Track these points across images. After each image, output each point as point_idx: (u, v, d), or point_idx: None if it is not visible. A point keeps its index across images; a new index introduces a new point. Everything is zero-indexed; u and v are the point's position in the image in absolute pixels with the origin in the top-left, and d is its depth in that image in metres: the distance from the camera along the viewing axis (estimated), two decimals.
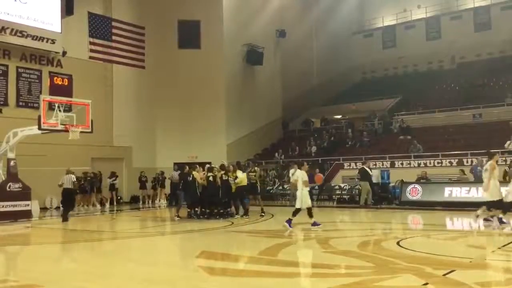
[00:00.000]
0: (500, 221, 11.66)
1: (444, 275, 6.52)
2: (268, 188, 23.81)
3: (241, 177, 15.31)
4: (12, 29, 20.88)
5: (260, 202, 16.28)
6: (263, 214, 15.64)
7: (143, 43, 26.60)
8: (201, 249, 9.49)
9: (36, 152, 19.56)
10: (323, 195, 21.72)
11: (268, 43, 30.59)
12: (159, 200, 23.71)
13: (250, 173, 16.23)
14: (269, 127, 31.27)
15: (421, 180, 18.84)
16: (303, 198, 11.98)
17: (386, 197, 19.41)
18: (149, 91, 26.30)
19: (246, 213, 15.28)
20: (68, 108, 17.82)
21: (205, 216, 15.21)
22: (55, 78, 22.51)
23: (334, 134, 29.33)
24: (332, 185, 22.51)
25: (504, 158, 18.77)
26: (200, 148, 25.59)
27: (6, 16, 20.77)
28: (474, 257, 7.98)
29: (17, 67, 21.47)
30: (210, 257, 8.68)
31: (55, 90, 21.23)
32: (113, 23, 25.28)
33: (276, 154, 27.98)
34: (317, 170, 21.44)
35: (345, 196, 21.02)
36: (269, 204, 20.63)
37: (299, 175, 12.13)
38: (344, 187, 21.55)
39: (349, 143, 27.51)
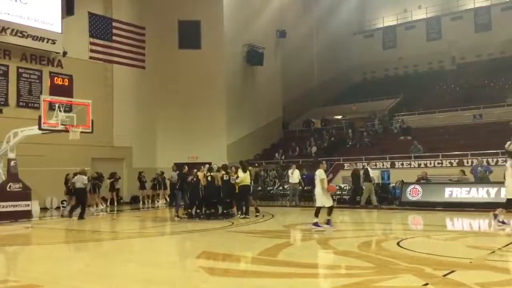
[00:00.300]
0: (502, 222, 11.71)
1: (444, 275, 6.53)
2: (268, 188, 23.81)
3: (242, 176, 15.33)
4: (13, 30, 20.89)
5: (253, 202, 16.29)
6: (257, 214, 15.70)
7: (143, 43, 26.60)
8: (201, 249, 9.49)
9: (36, 152, 19.56)
10: None
11: (269, 43, 30.54)
12: (159, 200, 23.70)
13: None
14: (269, 128, 31.24)
15: (422, 181, 18.80)
16: (319, 196, 11.93)
17: (386, 197, 19.40)
18: (149, 91, 26.31)
19: (246, 213, 15.29)
20: (68, 108, 17.85)
21: (204, 216, 15.23)
22: (55, 78, 22.52)
23: (334, 134, 29.31)
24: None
25: (504, 159, 18.74)
26: (200, 148, 25.62)
27: (6, 17, 20.78)
28: (474, 257, 7.97)
29: (18, 67, 21.48)
30: (210, 258, 8.67)
31: (55, 90, 21.22)
32: (113, 23, 25.28)
33: (276, 155, 27.95)
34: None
35: (345, 197, 21.00)
36: (269, 204, 20.69)
37: (317, 174, 12.10)
38: (344, 188, 21.53)
39: (350, 143, 27.53)
